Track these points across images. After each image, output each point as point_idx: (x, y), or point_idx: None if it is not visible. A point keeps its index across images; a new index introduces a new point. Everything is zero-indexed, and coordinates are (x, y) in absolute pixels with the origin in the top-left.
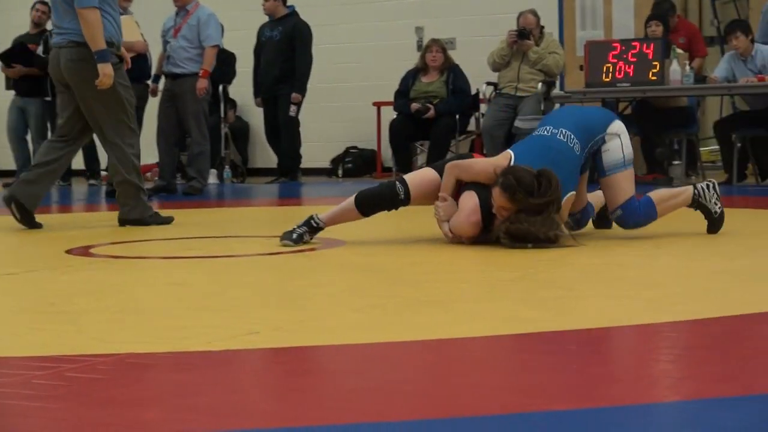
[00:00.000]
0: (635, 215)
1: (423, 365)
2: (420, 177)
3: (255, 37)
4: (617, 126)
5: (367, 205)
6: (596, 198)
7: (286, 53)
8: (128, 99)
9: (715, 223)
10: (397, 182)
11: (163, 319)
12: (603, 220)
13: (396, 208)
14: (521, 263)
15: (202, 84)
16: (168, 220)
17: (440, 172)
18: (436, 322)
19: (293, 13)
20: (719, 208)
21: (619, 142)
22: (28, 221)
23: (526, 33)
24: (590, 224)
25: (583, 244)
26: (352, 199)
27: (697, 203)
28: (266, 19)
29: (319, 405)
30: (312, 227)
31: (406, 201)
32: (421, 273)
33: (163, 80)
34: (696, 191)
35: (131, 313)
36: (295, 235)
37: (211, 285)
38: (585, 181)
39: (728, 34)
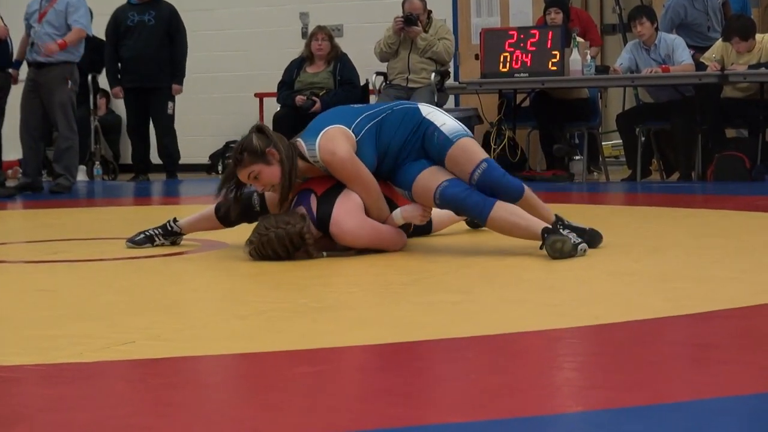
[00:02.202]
0: (501, 170)
1: (307, 376)
2: None
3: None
4: (428, 107)
5: (225, 215)
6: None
7: (161, 40)
8: None
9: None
10: (255, 193)
11: (29, 328)
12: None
13: (256, 221)
14: (416, 266)
15: (53, 48)
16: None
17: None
18: (325, 330)
19: None
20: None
21: (447, 115)
22: None
23: (413, 19)
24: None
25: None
26: (212, 207)
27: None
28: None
29: (198, 420)
30: (166, 230)
31: (263, 212)
32: (309, 277)
33: (26, 69)
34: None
35: None
36: (140, 237)
37: (81, 291)
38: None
39: (632, 19)
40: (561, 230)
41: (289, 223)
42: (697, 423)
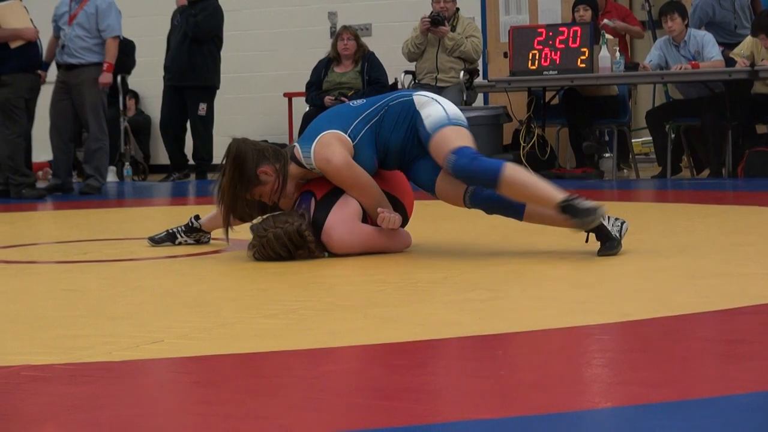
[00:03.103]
0: (468, 159)
1: (335, 374)
2: None
3: (154, 23)
4: (424, 96)
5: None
6: None
7: (193, 40)
8: None
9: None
10: None
11: (59, 328)
12: None
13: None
14: (444, 264)
15: (106, 78)
16: None
17: None
18: (353, 328)
19: None
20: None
21: (438, 106)
22: None
23: (440, 19)
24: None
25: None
26: None
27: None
28: (165, 2)
29: (227, 418)
30: (188, 228)
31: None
32: (337, 276)
33: (54, 70)
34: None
35: (25, 323)
36: (161, 235)
37: (111, 291)
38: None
39: (663, 15)
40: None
41: (287, 222)
42: (727, 419)
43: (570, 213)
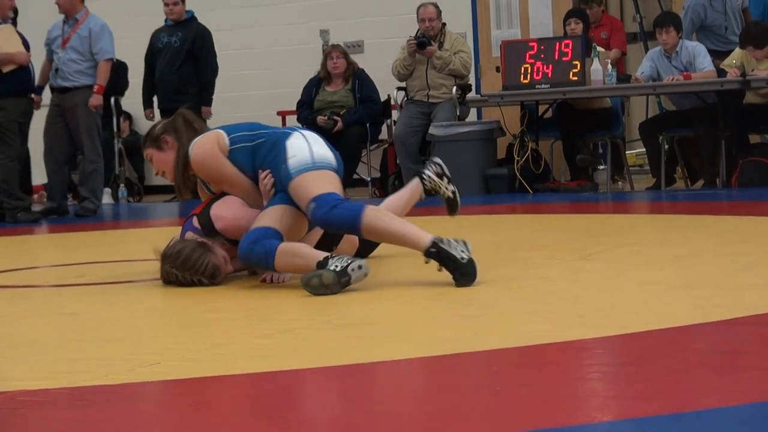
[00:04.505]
0: (327, 208)
1: (335, 392)
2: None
3: (146, 44)
4: (300, 135)
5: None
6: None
7: (185, 60)
8: None
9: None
10: None
11: (56, 352)
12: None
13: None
14: (438, 280)
15: (97, 100)
16: None
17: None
18: (349, 346)
19: (193, 18)
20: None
21: (306, 146)
22: None
23: (426, 40)
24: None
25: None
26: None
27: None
28: (159, 23)
29: None
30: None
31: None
32: (333, 294)
33: (49, 93)
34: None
35: (21, 347)
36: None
37: (107, 314)
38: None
39: (658, 26)
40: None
41: (193, 266)
42: (723, 431)
43: (438, 260)
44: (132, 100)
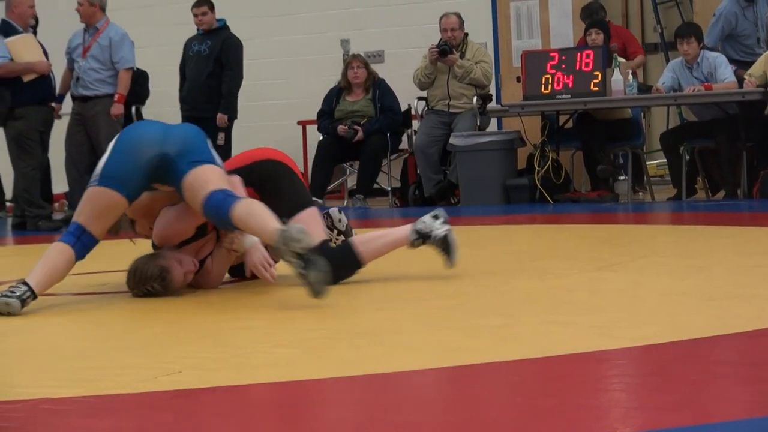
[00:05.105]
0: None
1: (355, 402)
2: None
3: (167, 53)
4: None
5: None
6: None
7: (213, 69)
8: None
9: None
10: None
11: (77, 360)
12: None
13: None
14: (458, 290)
15: (117, 109)
16: None
17: None
18: (369, 356)
19: (224, 27)
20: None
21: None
22: None
23: (448, 48)
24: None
25: None
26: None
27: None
28: (182, 31)
29: None
30: None
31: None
32: (349, 303)
33: (69, 102)
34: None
35: (42, 355)
36: None
37: (127, 322)
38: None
39: (679, 37)
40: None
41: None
42: None
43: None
44: (153, 109)
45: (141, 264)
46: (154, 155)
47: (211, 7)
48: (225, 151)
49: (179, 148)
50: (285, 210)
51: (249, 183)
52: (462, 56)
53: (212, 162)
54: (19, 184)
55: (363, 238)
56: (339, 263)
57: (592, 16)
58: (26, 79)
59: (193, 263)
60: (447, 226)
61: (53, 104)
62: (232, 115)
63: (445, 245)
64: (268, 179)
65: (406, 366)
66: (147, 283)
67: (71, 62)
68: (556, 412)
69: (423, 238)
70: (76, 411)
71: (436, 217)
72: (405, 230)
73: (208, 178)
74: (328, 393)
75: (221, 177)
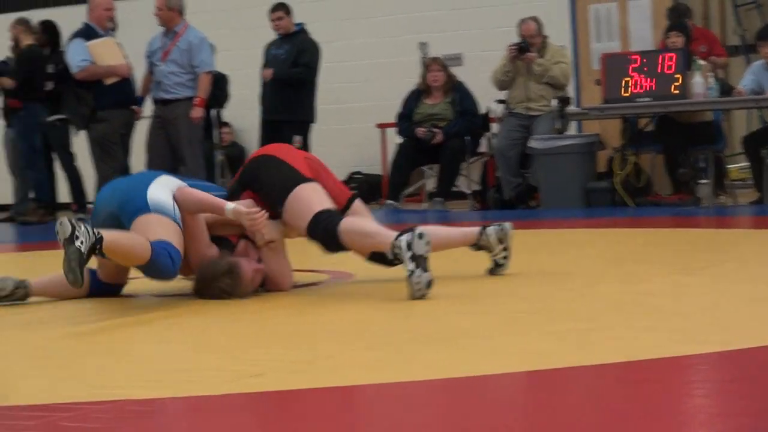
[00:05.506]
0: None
1: (438, 406)
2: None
3: (246, 57)
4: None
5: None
6: None
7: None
8: None
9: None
10: None
11: (161, 361)
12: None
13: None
14: (541, 294)
15: (198, 113)
16: None
17: None
18: (451, 359)
19: (302, 31)
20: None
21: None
22: None
23: (526, 46)
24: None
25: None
26: None
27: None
28: (259, 36)
29: None
30: None
31: None
32: (434, 307)
33: (150, 105)
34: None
35: (126, 356)
36: None
37: (209, 324)
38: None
39: (761, 39)
40: None
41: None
42: None
43: None
44: (233, 112)
45: (207, 266)
46: (105, 215)
47: (287, 12)
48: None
49: (119, 202)
50: (277, 198)
51: (245, 187)
52: (541, 58)
53: (146, 211)
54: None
55: (350, 226)
56: (327, 241)
57: (680, 18)
58: (108, 82)
59: (257, 263)
60: (411, 266)
61: (134, 107)
62: (310, 119)
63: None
64: (252, 179)
65: (490, 369)
66: (217, 280)
67: (151, 66)
68: (639, 418)
69: (396, 258)
70: (162, 412)
71: (409, 246)
72: (386, 242)
73: (146, 230)
74: (416, 397)
75: (160, 227)
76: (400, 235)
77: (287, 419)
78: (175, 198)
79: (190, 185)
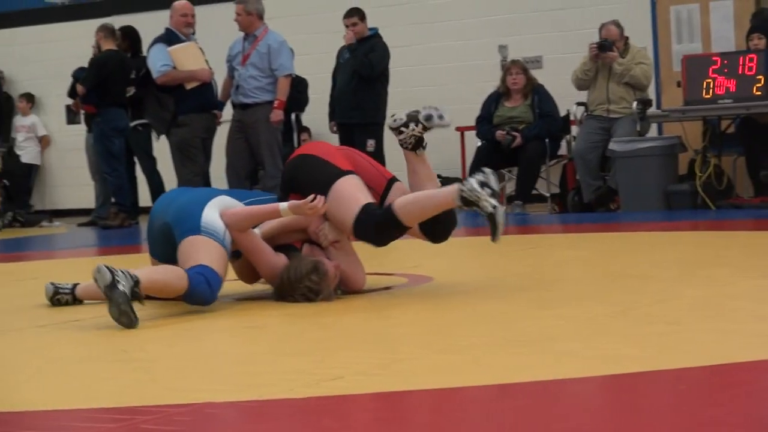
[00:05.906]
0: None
1: (517, 410)
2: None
3: (325, 61)
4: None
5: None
6: None
7: (360, 77)
8: None
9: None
10: None
11: (240, 365)
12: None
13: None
14: (621, 297)
15: (277, 116)
16: None
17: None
18: (532, 363)
19: (375, 35)
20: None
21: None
22: None
23: (608, 45)
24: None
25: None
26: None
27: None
28: (338, 40)
29: None
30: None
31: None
32: (512, 310)
33: (230, 109)
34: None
35: (207, 360)
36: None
37: (289, 327)
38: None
39: None
40: None
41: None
42: None
43: None
44: (312, 115)
45: (290, 267)
46: (160, 224)
47: (362, 17)
48: (377, 158)
49: (174, 217)
50: (319, 191)
51: (288, 192)
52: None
53: (197, 232)
54: None
55: (403, 201)
56: (382, 229)
57: (764, 21)
58: (189, 86)
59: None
60: (494, 201)
61: (215, 111)
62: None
63: (491, 223)
64: (292, 181)
65: (571, 374)
66: (304, 280)
67: (231, 70)
68: (723, 422)
69: (468, 205)
70: (241, 415)
71: (483, 185)
72: (449, 194)
73: (192, 251)
74: (493, 400)
75: (204, 251)
76: (464, 181)
77: (366, 421)
78: (224, 223)
79: (250, 202)
